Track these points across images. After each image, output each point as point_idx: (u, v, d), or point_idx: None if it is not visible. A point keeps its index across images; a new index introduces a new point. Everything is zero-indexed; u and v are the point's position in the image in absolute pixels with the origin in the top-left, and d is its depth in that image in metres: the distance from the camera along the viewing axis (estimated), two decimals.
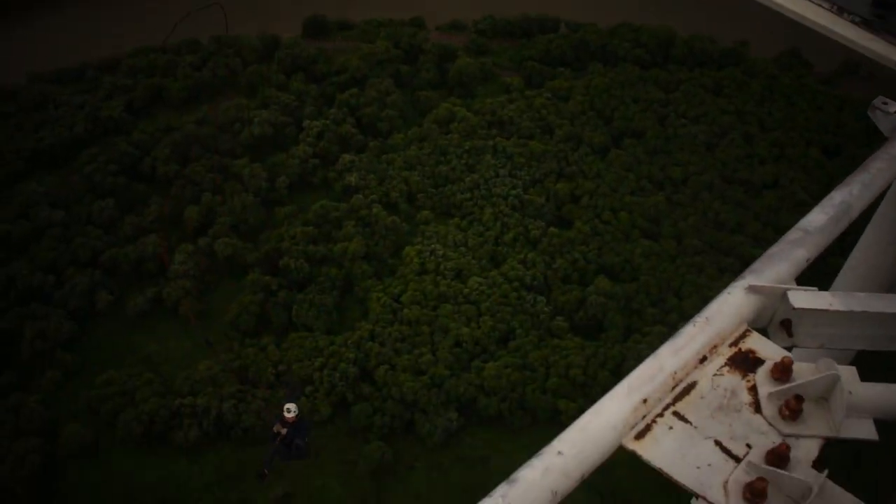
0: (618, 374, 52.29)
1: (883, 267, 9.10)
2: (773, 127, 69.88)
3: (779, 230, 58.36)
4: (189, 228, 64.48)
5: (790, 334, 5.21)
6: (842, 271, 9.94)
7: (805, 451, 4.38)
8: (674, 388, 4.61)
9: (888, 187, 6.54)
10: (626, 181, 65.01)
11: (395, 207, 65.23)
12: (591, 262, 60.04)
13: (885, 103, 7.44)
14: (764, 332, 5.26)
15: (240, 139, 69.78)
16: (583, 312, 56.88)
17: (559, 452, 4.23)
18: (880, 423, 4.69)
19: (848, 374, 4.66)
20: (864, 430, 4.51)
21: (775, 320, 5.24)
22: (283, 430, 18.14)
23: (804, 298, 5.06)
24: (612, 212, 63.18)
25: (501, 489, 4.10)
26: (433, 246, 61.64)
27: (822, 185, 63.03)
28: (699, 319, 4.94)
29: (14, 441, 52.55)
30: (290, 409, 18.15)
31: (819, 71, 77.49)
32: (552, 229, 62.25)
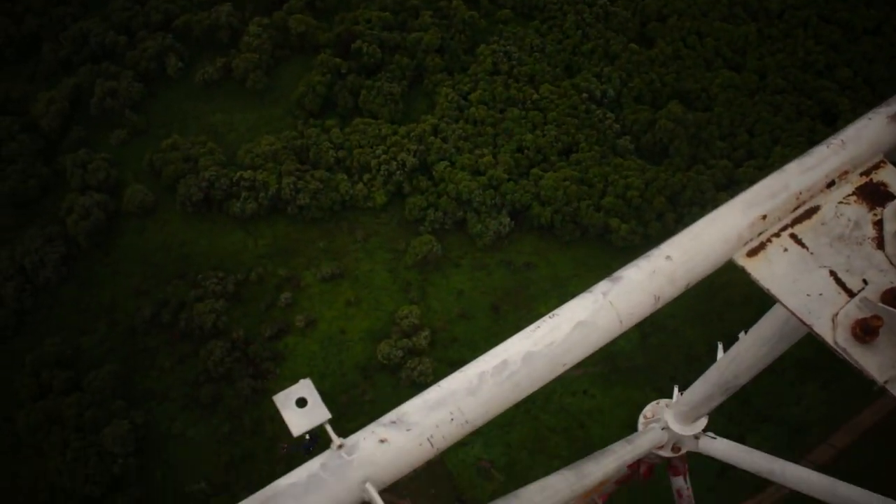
0: (675, 202, 52.00)
1: None
2: None
3: (869, 81, 55.73)
4: (265, 0, 63.62)
5: None
6: None
7: None
8: (795, 209, 4.43)
9: None
10: (718, 6, 61.88)
11: (476, 2, 63.25)
12: (668, 85, 58.30)
13: None
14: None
15: None
16: (650, 135, 55.82)
17: (668, 257, 4.09)
18: None
19: None
20: None
21: None
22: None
23: None
24: (697, 36, 60.61)
25: (603, 285, 4.03)
26: (509, 47, 60.15)
27: None
28: (834, 141, 4.64)
29: (81, 195, 54.78)
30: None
31: None
32: (633, 45, 60.19)
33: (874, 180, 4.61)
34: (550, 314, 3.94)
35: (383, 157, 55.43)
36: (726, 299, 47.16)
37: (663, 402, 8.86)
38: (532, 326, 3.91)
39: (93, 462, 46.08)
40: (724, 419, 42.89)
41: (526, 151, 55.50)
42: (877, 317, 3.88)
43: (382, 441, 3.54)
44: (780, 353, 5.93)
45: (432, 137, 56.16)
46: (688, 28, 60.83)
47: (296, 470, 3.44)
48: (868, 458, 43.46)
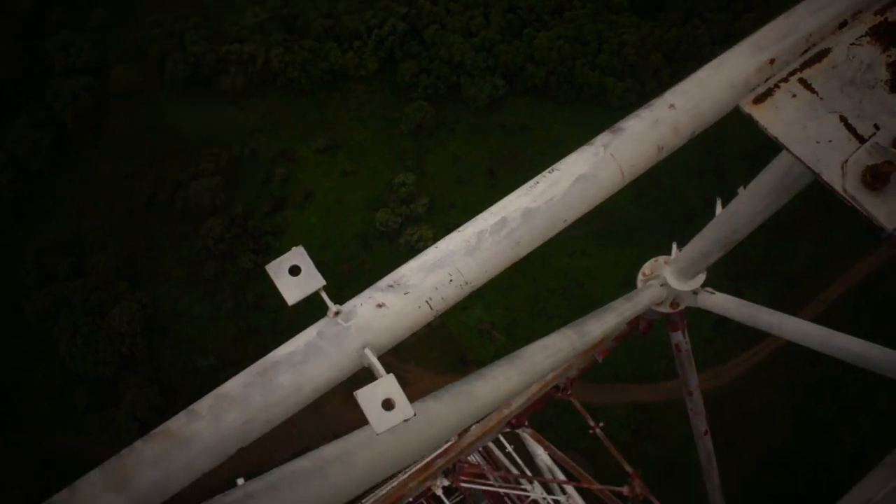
0: (671, 57, 51.20)
1: None
2: None
3: None
4: None
5: None
6: None
7: None
8: (805, 52, 4.23)
9: None
10: None
11: None
12: None
13: None
14: None
15: None
16: None
17: (671, 105, 3.95)
18: None
19: None
20: None
21: None
22: None
23: None
24: None
25: (604, 137, 3.94)
26: None
27: None
28: None
29: (67, 78, 53.79)
30: None
31: None
32: None
33: (889, 19, 4.37)
34: (550, 169, 3.88)
35: (373, 21, 54.27)
36: (724, 154, 47.11)
37: (662, 258, 8.96)
38: (531, 182, 3.86)
39: (102, 344, 47.02)
40: (722, 276, 43.52)
41: (518, 11, 54.21)
42: (888, 162, 3.80)
43: (380, 306, 3.49)
44: (779, 206, 5.96)
45: (421, 1, 54.75)
46: None
47: (292, 339, 3.44)
48: (858, 309, 44.50)
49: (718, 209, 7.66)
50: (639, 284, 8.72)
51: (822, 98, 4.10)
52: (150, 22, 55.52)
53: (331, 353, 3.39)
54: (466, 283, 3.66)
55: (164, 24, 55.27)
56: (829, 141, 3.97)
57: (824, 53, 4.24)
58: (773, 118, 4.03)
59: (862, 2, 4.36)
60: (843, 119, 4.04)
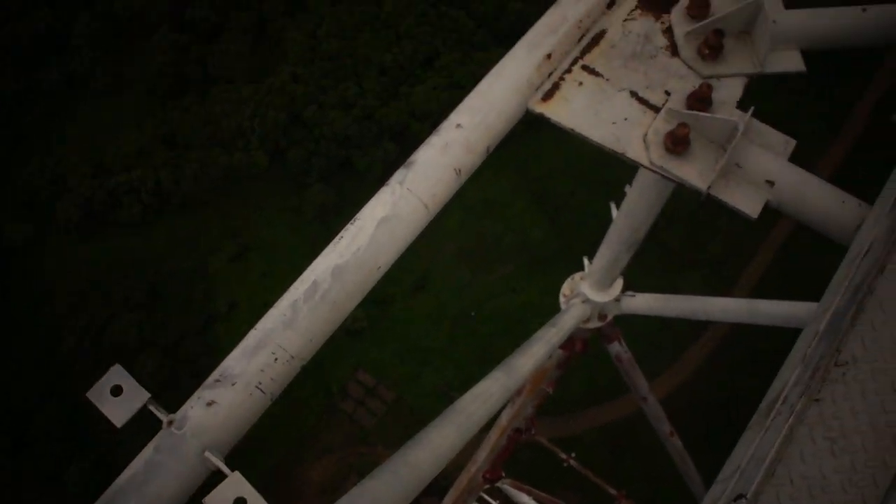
0: None
1: None
2: None
3: None
4: None
5: None
6: None
7: (728, 91, 4.09)
8: (580, 39, 4.18)
9: None
10: None
11: None
12: None
13: None
14: None
15: None
16: (504, 20, 55.17)
17: (458, 125, 3.87)
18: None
19: (772, 1, 4.30)
20: (791, 62, 4.24)
21: None
22: None
23: None
24: None
25: (398, 175, 3.81)
26: None
27: None
28: None
29: None
30: None
31: None
32: None
33: None
34: (352, 220, 3.77)
35: (253, 119, 54.06)
36: (621, 161, 47.72)
37: (577, 275, 9.03)
38: (336, 238, 3.75)
39: None
40: (652, 276, 43.95)
41: (389, 72, 54.52)
42: (683, 124, 3.80)
43: (210, 404, 3.38)
44: (669, 194, 5.90)
45: (293, 85, 54.76)
46: None
47: (132, 461, 3.30)
48: (788, 272, 45.30)
49: (614, 213, 7.67)
50: (562, 306, 8.70)
51: (608, 79, 4.08)
52: (30, 172, 54.48)
53: (172, 466, 3.23)
54: (293, 357, 3.52)
55: (46, 172, 54.29)
56: (625, 119, 3.96)
57: (600, 35, 4.23)
58: (565, 111, 3.98)
59: None
60: (633, 94, 4.04)
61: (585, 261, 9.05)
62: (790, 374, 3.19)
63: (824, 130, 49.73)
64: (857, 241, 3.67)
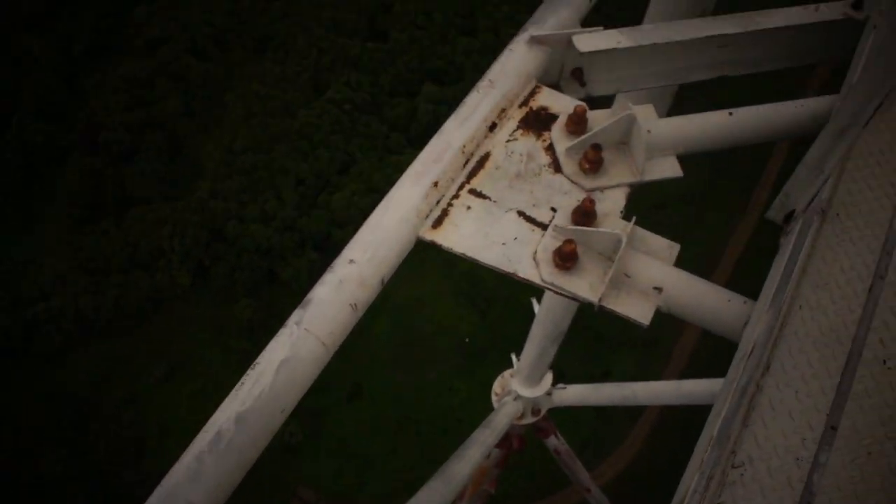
0: None
1: None
2: None
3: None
4: None
5: (583, 83, 4.87)
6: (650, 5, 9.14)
7: (612, 202, 4.17)
8: (466, 163, 4.19)
9: None
10: None
11: (205, 54, 61.80)
12: (415, 70, 58.92)
13: None
14: (559, 87, 4.84)
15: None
16: (416, 123, 56.42)
17: (351, 261, 3.75)
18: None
19: (645, 112, 4.41)
20: (668, 168, 4.33)
21: (566, 71, 4.83)
22: None
23: (590, 41, 4.64)
24: (425, 15, 61.39)
25: (295, 315, 3.69)
26: (253, 86, 59.22)
27: None
28: (482, 84, 4.45)
29: None
30: None
31: None
32: (369, 44, 60.38)
33: (534, 108, 4.49)
34: (252, 365, 3.69)
35: (172, 238, 53.64)
36: None
37: (507, 373, 9.02)
38: (238, 384, 3.66)
39: None
40: (584, 363, 44.27)
41: (306, 181, 54.95)
42: (569, 241, 3.81)
43: None
44: None
45: (212, 201, 54.70)
46: (413, 10, 61.63)
47: None
48: (718, 345, 46.01)
49: (536, 308, 7.64)
50: (495, 405, 8.61)
51: (495, 201, 4.11)
52: None
53: None
54: None
55: None
56: (515, 238, 3.99)
57: (485, 158, 4.27)
58: (456, 237, 3.99)
59: (504, 100, 4.45)
60: (521, 213, 4.07)
61: (514, 357, 9.14)
62: (690, 480, 3.23)
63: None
64: (744, 339, 3.78)
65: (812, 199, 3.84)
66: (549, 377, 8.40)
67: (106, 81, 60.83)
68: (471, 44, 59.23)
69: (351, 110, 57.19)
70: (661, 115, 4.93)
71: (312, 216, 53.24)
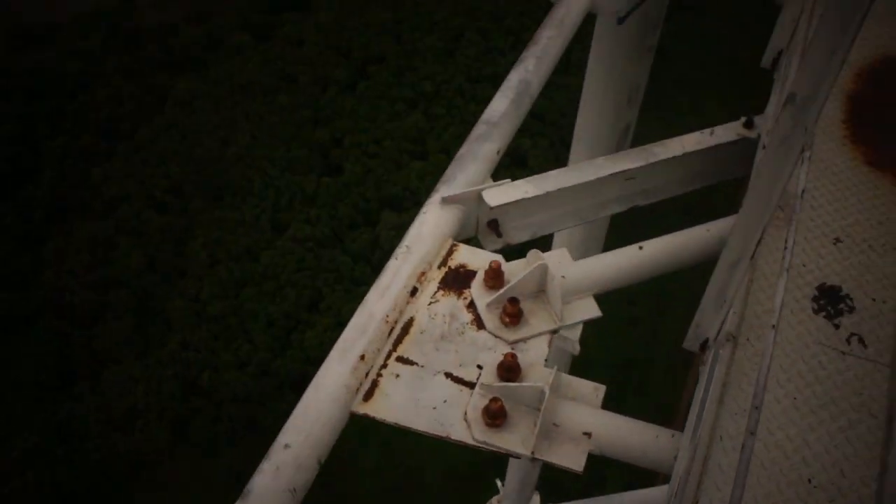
0: None
1: (604, 130, 8.76)
2: (504, 16, 69.92)
3: None
4: None
5: (499, 234, 4.99)
6: (572, 147, 9.53)
7: (535, 351, 4.18)
8: (391, 332, 4.24)
9: (563, 53, 6.37)
10: (381, 109, 64.55)
11: (165, 206, 62.34)
12: (372, 199, 59.79)
13: None
14: (477, 240, 5.00)
15: None
16: (379, 252, 56.85)
17: (286, 445, 3.73)
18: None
19: (557, 258, 4.50)
20: (586, 311, 4.42)
21: (481, 225, 4.96)
22: None
23: (498, 194, 4.81)
24: (376, 144, 62.77)
25: None
26: (214, 233, 59.63)
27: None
28: (399, 251, 4.61)
29: None
30: None
31: None
32: (324, 179, 61.35)
33: (452, 267, 4.57)
34: None
35: (147, 396, 52.86)
36: None
37: (494, 499, 9.06)
38: None
39: None
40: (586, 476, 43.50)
41: (277, 322, 55.01)
42: (495, 399, 3.81)
43: None
44: None
45: (184, 353, 54.29)
46: (364, 141, 62.90)
47: None
48: None
49: (500, 486, 7.61)
50: None
51: (422, 365, 4.09)
52: None
53: None
54: None
55: None
56: (445, 401, 3.95)
57: (409, 324, 4.29)
58: (387, 407, 3.95)
59: (422, 263, 4.54)
60: (448, 375, 4.05)
61: (499, 483, 9.21)
62: None
63: None
64: (674, 473, 3.81)
65: (721, 327, 3.95)
66: (536, 499, 8.47)
67: (68, 244, 60.93)
68: (424, 167, 60.36)
69: (313, 247, 57.62)
70: (598, 242, 5.09)
71: (287, 357, 52.87)
